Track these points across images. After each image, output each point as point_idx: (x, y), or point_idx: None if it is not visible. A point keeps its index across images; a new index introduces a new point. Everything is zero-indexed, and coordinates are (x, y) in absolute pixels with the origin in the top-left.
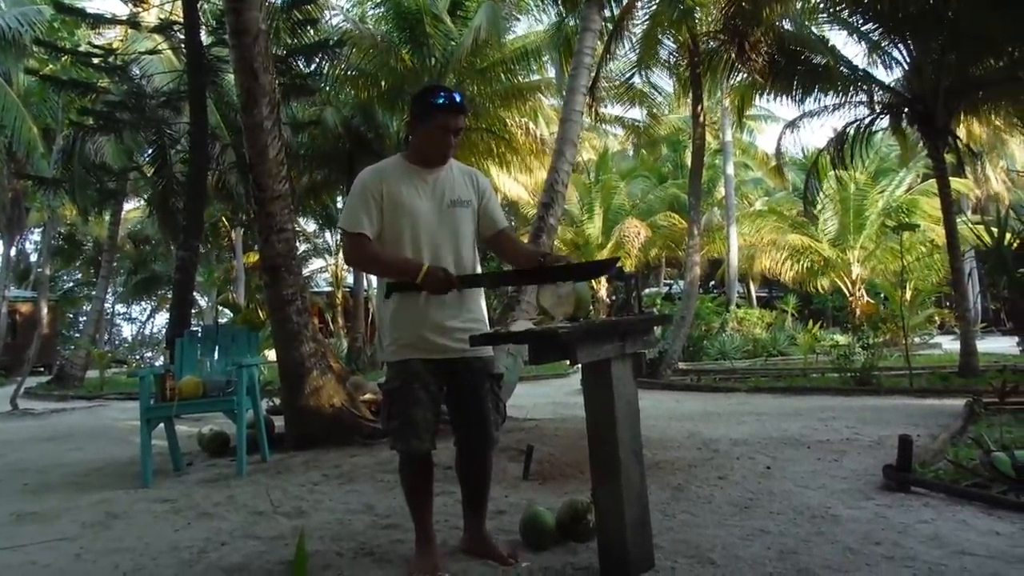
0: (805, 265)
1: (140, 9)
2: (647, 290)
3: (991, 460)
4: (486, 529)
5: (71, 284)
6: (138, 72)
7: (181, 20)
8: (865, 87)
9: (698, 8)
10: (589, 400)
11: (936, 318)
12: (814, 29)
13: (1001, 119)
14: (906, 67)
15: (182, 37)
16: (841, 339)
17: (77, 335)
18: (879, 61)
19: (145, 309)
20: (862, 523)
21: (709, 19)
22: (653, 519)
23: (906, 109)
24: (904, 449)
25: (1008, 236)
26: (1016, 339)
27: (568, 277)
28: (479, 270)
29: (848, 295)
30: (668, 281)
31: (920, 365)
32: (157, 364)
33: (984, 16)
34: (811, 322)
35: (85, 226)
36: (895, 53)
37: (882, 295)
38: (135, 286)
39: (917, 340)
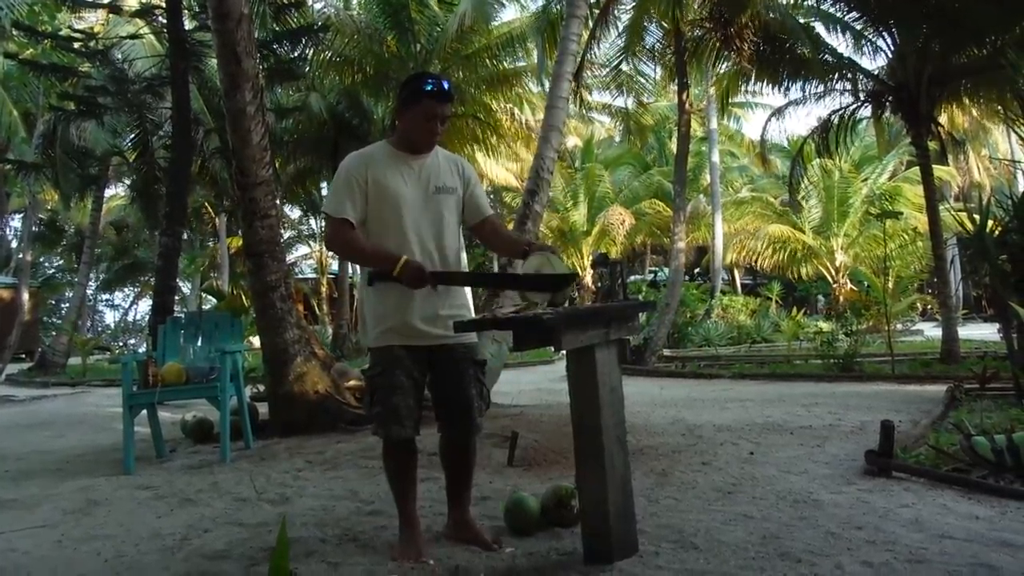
0: (788, 253)
1: None
2: (632, 277)
3: (971, 445)
4: (470, 515)
5: (52, 270)
6: (120, 57)
7: (163, 4)
8: (849, 75)
9: None
10: (573, 386)
11: (918, 305)
12: (799, 18)
13: (983, 107)
14: (890, 55)
15: (164, 21)
16: (824, 326)
17: (59, 322)
18: (863, 50)
19: (128, 296)
20: (844, 508)
21: (695, 6)
22: (637, 504)
23: (890, 97)
24: (886, 435)
25: (990, 224)
26: (997, 326)
27: (538, 288)
28: (463, 257)
29: (832, 282)
30: (653, 268)
31: (902, 352)
32: (140, 351)
33: (967, 4)
34: (795, 309)
35: (67, 212)
36: (879, 42)
37: (865, 283)
38: (117, 272)
39: (899, 327)
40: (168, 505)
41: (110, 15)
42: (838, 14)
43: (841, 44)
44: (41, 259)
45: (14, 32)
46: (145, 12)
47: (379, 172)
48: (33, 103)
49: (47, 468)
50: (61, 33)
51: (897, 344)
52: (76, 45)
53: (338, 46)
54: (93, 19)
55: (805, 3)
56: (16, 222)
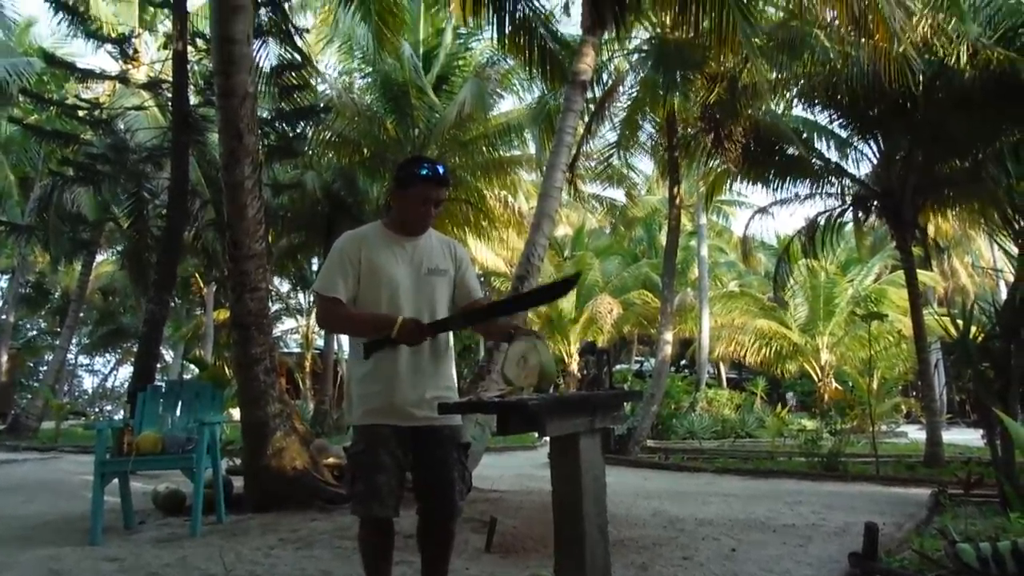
0: (774, 349)
1: (130, 66)
2: (618, 366)
3: (956, 552)
4: None
5: (35, 332)
6: (122, 127)
7: (170, 79)
8: (835, 179)
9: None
10: (556, 473)
11: (902, 407)
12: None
13: (966, 215)
14: (874, 162)
15: (169, 95)
16: (809, 424)
17: (36, 384)
18: (849, 155)
19: (109, 361)
20: None
21: (689, 104)
22: None
23: (875, 202)
24: (870, 537)
25: (973, 330)
26: (981, 432)
27: (537, 303)
28: (451, 338)
29: (816, 380)
30: (639, 358)
31: (886, 453)
32: (116, 418)
33: (948, 118)
34: (779, 405)
35: (54, 275)
36: (865, 149)
37: (849, 382)
38: (100, 337)
39: (884, 428)
40: None
41: (117, 86)
42: (824, 121)
43: (828, 149)
44: (24, 321)
45: (21, 98)
46: (152, 85)
47: (373, 252)
48: (32, 167)
49: (11, 535)
50: (67, 101)
51: (881, 445)
52: (81, 113)
53: (338, 127)
54: (100, 89)
55: (793, 110)
56: (2, 282)
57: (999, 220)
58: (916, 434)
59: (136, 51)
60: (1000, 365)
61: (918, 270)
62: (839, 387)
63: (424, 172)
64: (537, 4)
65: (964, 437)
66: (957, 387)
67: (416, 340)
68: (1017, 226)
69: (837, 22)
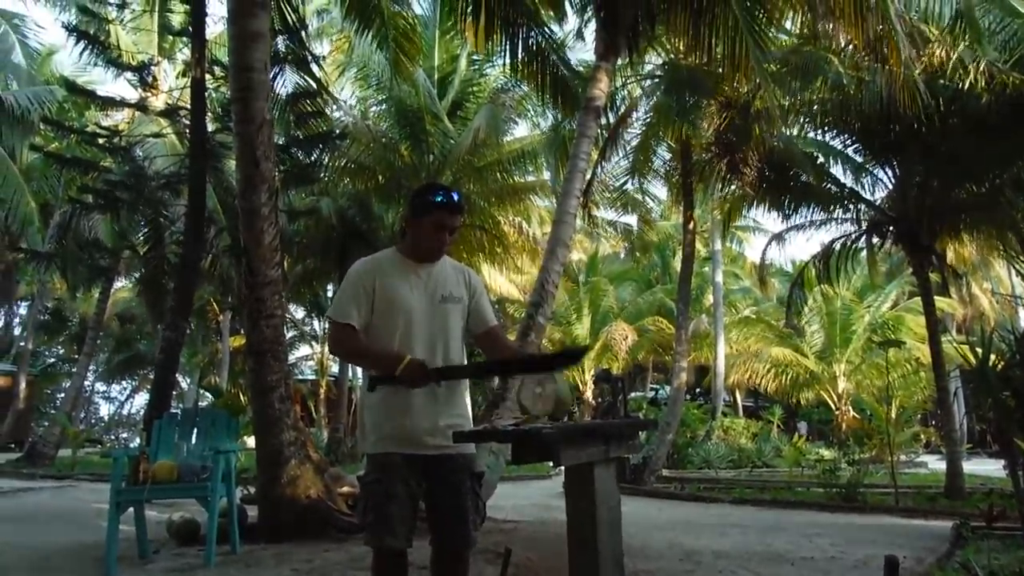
0: (791, 377)
1: (149, 94)
2: (633, 394)
3: None
4: None
5: (52, 359)
6: (141, 154)
7: (188, 106)
8: (852, 204)
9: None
10: (570, 504)
11: (922, 436)
12: (803, 148)
13: (983, 241)
14: (890, 187)
15: (187, 123)
16: (826, 453)
17: (53, 411)
18: (864, 181)
19: (125, 388)
20: None
21: (703, 130)
22: None
23: (891, 227)
24: (890, 571)
25: (993, 357)
26: (1002, 462)
27: (547, 368)
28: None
29: (834, 409)
30: (654, 386)
31: (906, 484)
32: (132, 445)
33: (964, 142)
34: (796, 434)
35: (73, 302)
36: (880, 174)
37: (867, 411)
38: (117, 364)
39: (903, 458)
40: None
41: (136, 114)
42: (839, 146)
43: (843, 175)
44: (42, 348)
45: (42, 126)
46: (170, 113)
47: (387, 279)
48: (52, 194)
49: (25, 565)
50: (87, 129)
51: (900, 476)
52: (100, 141)
53: (353, 153)
54: (119, 117)
55: (807, 135)
56: (22, 309)
57: (1017, 246)
58: (936, 464)
59: (155, 79)
60: (1021, 394)
61: (936, 296)
62: (857, 416)
63: (439, 199)
64: (549, 31)
65: (985, 467)
66: (977, 416)
67: (419, 383)
68: None
69: (852, 47)
